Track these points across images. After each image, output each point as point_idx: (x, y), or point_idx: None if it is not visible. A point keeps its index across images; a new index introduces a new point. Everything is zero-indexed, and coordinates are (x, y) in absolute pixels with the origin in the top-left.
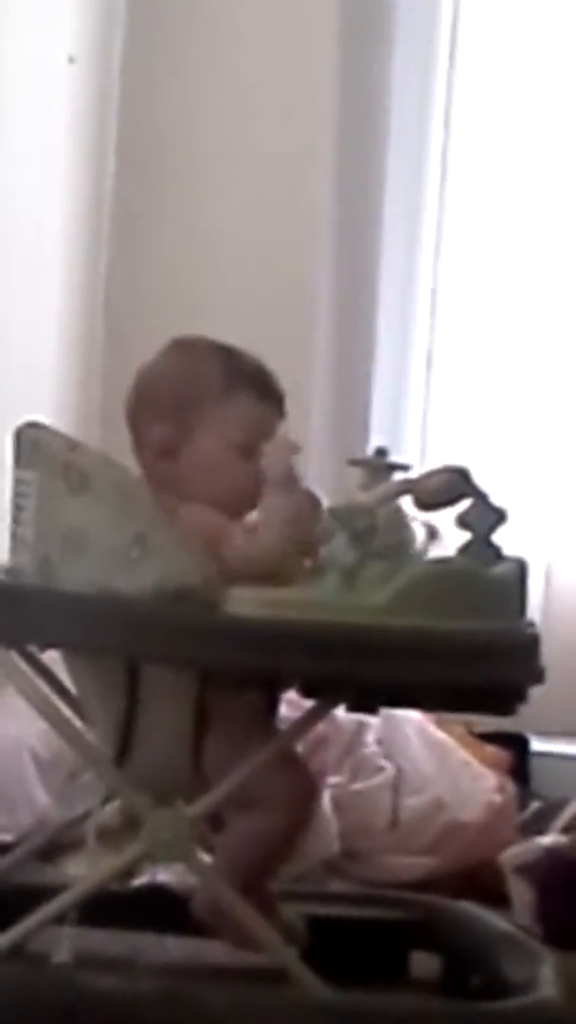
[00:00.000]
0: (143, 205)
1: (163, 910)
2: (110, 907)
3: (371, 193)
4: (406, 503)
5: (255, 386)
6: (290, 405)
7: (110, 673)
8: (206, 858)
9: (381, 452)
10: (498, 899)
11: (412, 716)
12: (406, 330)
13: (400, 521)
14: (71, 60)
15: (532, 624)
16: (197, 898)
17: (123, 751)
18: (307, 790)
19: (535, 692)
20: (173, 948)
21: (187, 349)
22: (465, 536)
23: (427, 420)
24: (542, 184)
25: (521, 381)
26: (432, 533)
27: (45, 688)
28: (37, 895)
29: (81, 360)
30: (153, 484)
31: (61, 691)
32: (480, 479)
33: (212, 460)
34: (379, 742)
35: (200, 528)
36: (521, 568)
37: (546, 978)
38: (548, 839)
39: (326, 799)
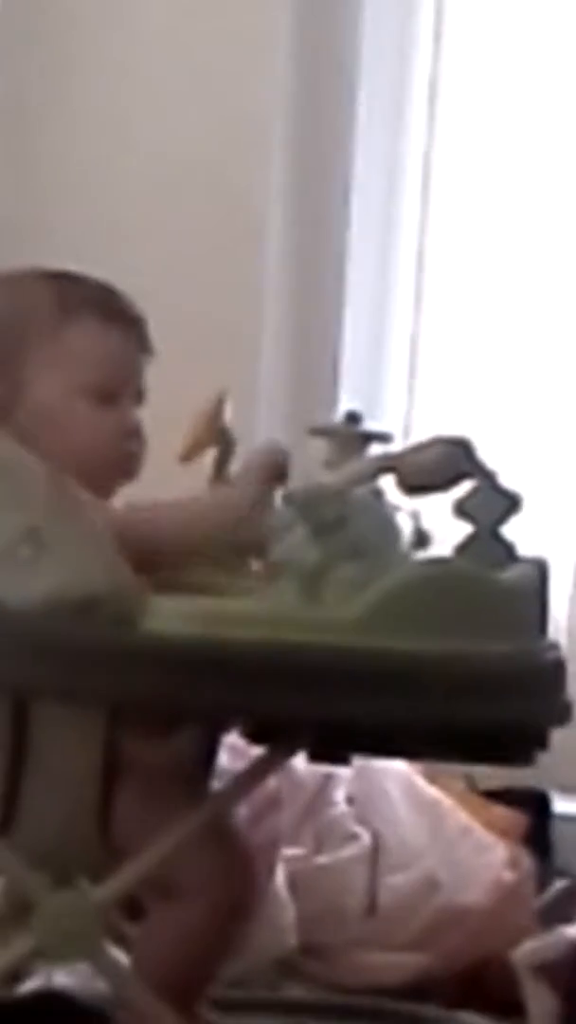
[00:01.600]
0: (41, 94)
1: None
2: None
3: (341, 87)
4: (387, 485)
5: (97, 309)
6: (233, 358)
7: None
8: (120, 955)
9: (353, 418)
10: (510, 1008)
11: (395, 768)
12: (385, 260)
13: (378, 509)
14: None
15: (554, 646)
16: (115, 1010)
17: (8, 814)
18: (245, 874)
19: (558, 736)
20: None
21: (8, 280)
22: (466, 529)
23: (414, 377)
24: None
25: (537, 330)
26: (422, 538)
27: None
28: None
29: None
30: None
31: None
32: (485, 455)
33: (56, 411)
34: (351, 801)
35: None
36: (540, 571)
37: None
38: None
39: (280, 877)
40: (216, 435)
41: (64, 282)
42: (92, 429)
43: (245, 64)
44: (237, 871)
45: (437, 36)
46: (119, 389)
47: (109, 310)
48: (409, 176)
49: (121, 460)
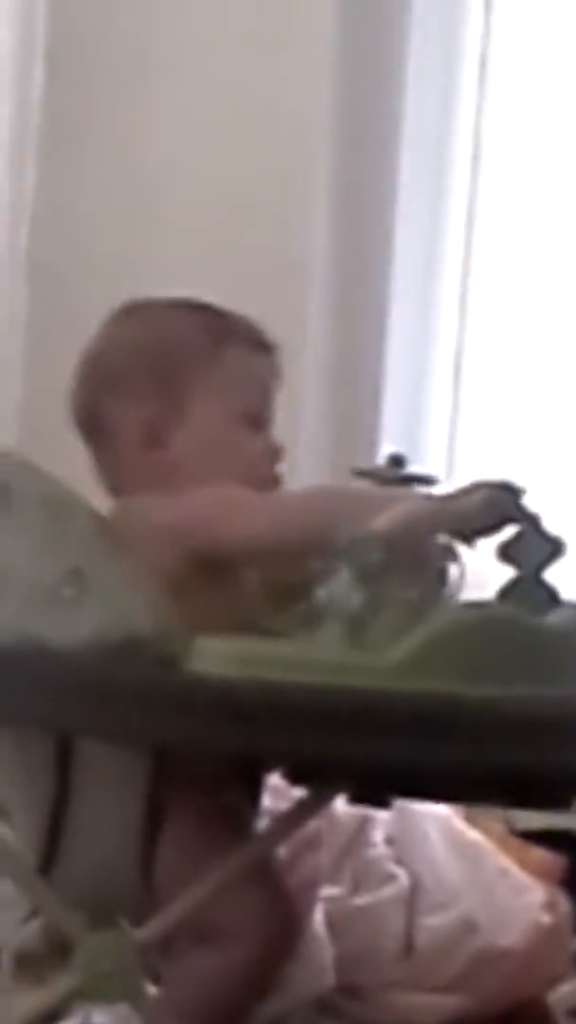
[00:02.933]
0: (79, 131)
1: None
2: None
3: (386, 130)
4: None
5: (244, 337)
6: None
7: (33, 750)
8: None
9: (396, 461)
10: None
11: (434, 809)
12: (428, 301)
13: (424, 554)
14: None
15: None
16: None
17: (50, 854)
18: (285, 917)
19: None
20: None
21: (148, 312)
22: (509, 573)
23: (456, 421)
24: None
25: None
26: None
27: None
28: None
29: None
30: (138, 484)
31: None
32: (529, 498)
33: (216, 437)
34: (390, 842)
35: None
36: None
37: None
38: None
39: (319, 917)
40: None
41: (207, 312)
42: (249, 453)
43: (288, 106)
44: (278, 914)
45: (482, 81)
46: (266, 414)
47: (254, 338)
48: (453, 213)
49: (271, 482)
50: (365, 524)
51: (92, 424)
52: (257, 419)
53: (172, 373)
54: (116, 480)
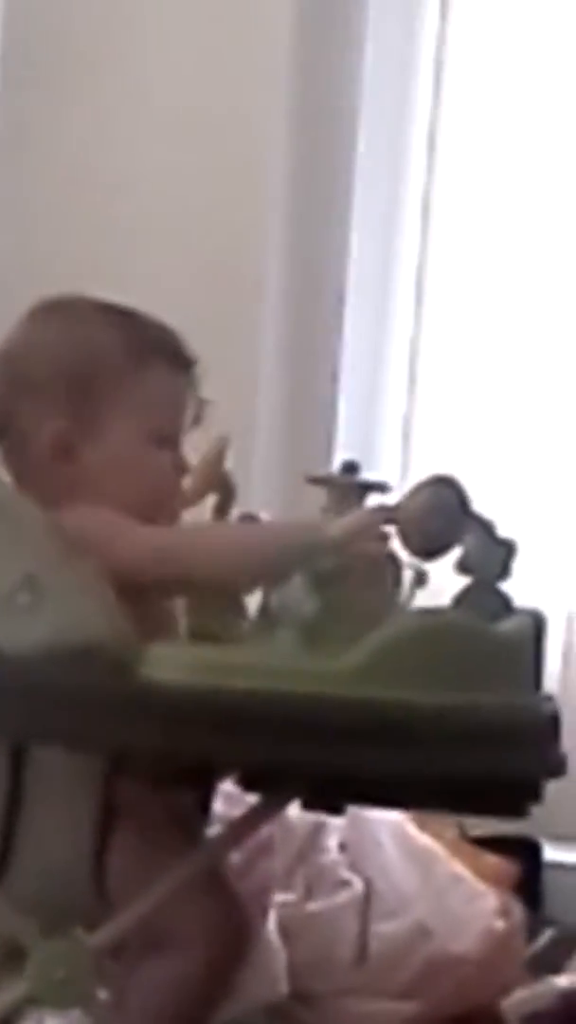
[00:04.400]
0: (34, 130)
1: None
2: None
3: (341, 129)
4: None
5: (165, 353)
6: (229, 405)
7: None
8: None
9: (350, 468)
10: None
11: (388, 815)
12: (383, 310)
13: (377, 560)
14: None
15: (549, 698)
16: None
17: (2, 860)
18: (237, 924)
19: (550, 786)
20: None
21: (70, 312)
22: (464, 581)
23: (410, 428)
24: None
25: (535, 380)
26: (419, 577)
27: None
28: None
29: None
30: (42, 492)
31: None
32: (481, 507)
33: (126, 455)
34: (343, 848)
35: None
36: (536, 623)
37: None
38: (565, 980)
39: (272, 923)
40: (216, 481)
41: (129, 323)
42: (157, 472)
43: (243, 119)
44: (230, 921)
45: (436, 93)
46: (178, 432)
47: (174, 355)
48: (408, 224)
49: (170, 504)
50: (261, 559)
51: (3, 421)
52: (168, 437)
53: (89, 389)
54: (21, 481)
